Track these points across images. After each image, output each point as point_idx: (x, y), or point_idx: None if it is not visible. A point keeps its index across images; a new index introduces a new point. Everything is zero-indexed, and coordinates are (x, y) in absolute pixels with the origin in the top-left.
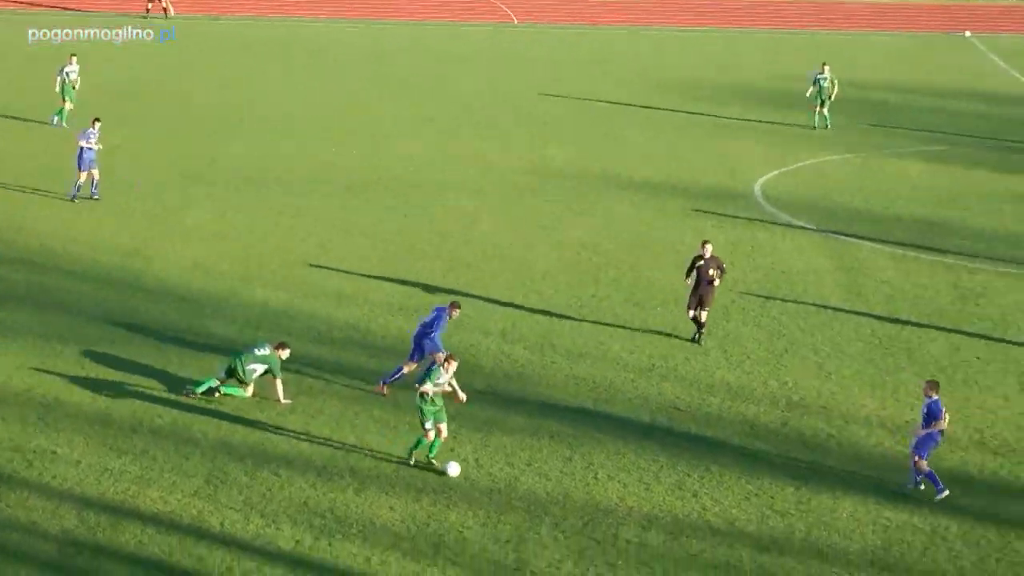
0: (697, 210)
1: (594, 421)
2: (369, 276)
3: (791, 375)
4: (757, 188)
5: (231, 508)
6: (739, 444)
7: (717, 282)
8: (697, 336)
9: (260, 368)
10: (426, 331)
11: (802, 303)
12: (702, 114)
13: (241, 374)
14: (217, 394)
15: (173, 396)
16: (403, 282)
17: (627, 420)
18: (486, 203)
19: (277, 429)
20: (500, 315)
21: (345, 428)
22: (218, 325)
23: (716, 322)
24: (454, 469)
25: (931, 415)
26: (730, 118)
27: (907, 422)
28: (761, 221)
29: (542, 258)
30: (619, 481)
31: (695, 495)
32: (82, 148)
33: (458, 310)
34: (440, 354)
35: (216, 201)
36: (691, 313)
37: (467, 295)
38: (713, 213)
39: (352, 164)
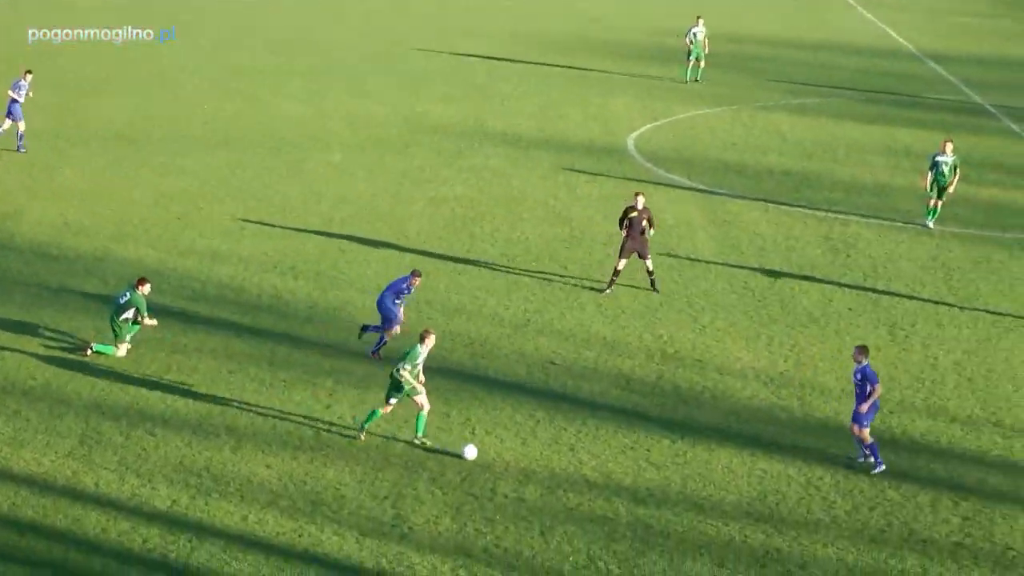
0: (570, 166)
1: (471, 377)
2: (242, 234)
3: (666, 328)
4: (630, 142)
5: (106, 468)
6: (615, 398)
7: (650, 232)
8: (651, 283)
9: (130, 313)
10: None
11: (676, 256)
12: (574, 68)
13: (119, 330)
14: (89, 352)
15: (46, 356)
16: (277, 240)
17: (503, 375)
18: (360, 159)
19: (152, 388)
20: (375, 271)
21: (220, 386)
22: (91, 284)
23: (588, 274)
24: (471, 452)
25: (867, 379)
26: (602, 72)
27: (780, 374)
28: (635, 177)
29: (416, 214)
30: (496, 436)
31: (572, 449)
32: (12, 100)
33: (419, 279)
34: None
35: (87, 160)
36: (622, 263)
37: (341, 251)
38: (586, 171)
39: (224, 121)
